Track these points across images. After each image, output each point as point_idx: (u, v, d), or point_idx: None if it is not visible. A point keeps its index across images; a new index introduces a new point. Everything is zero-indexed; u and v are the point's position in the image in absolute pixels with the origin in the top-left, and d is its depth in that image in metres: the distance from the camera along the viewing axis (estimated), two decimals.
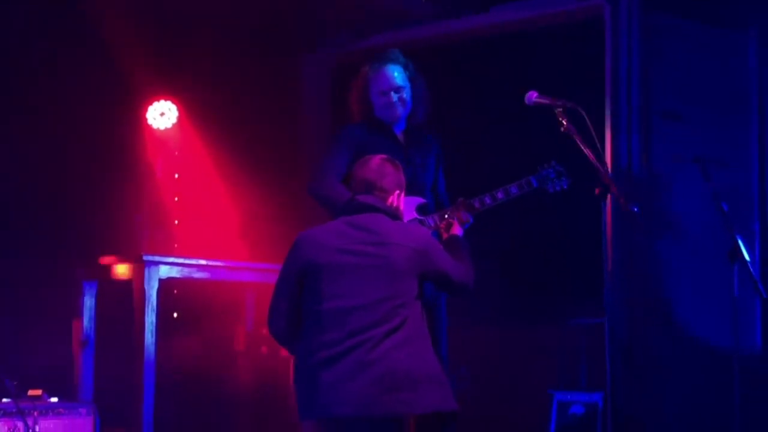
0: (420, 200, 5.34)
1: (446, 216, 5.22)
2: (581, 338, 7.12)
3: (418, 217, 5.28)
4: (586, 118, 4.55)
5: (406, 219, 5.18)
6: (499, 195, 5.31)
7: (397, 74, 5.45)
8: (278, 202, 7.86)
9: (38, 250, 7.04)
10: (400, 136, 5.52)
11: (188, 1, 7.49)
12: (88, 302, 6.66)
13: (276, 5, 7.71)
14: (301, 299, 4.52)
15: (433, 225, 5.25)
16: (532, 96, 4.77)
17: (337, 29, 8.30)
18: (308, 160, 8.43)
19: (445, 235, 5.04)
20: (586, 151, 4.53)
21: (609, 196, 4.54)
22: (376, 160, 4.70)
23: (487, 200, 5.29)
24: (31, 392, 6.01)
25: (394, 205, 4.66)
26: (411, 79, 5.50)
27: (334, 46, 8.45)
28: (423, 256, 4.47)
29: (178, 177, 8.04)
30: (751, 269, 5.42)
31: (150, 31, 7.41)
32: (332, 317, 4.39)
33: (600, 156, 4.57)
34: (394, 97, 5.44)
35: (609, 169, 6.37)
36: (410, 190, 5.29)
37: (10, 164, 7.03)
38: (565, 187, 5.41)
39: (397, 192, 4.69)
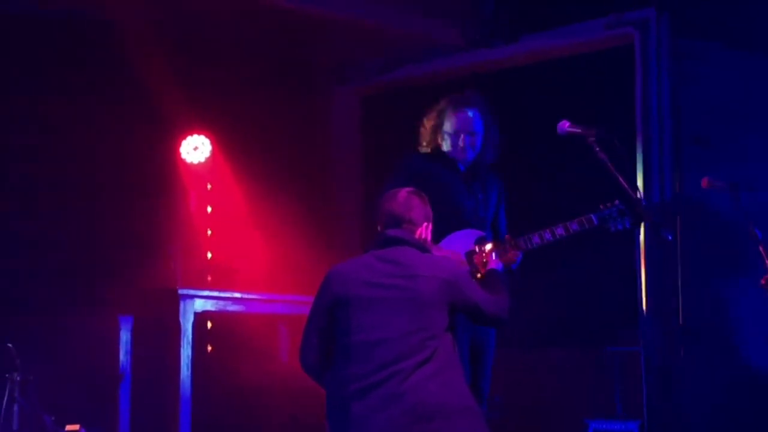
0: (479, 233, 5.35)
1: (486, 252, 5.21)
2: (617, 366, 7.09)
3: (476, 249, 5.29)
4: (618, 146, 4.56)
5: (465, 250, 5.23)
6: (559, 231, 5.26)
7: (474, 120, 5.49)
8: (310, 233, 7.89)
9: (74, 285, 7.07)
10: (463, 170, 5.54)
11: (221, 36, 7.55)
12: (124, 336, 6.68)
13: (306, 38, 7.76)
14: (332, 333, 4.54)
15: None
16: (564, 125, 4.78)
17: (367, 60, 8.34)
18: (339, 191, 8.48)
19: (482, 270, 5.04)
20: (620, 180, 4.53)
21: (643, 223, 4.55)
22: (403, 194, 4.71)
23: (547, 236, 5.26)
24: (68, 427, 6.01)
25: (423, 237, 4.67)
26: (486, 125, 5.52)
27: (363, 77, 8.49)
28: (451, 287, 4.47)
29: (212, 210, 8.09)
30: None
31: (183, 66, 7.47)
32: (361, 350, 4.40)
33: (633, 184, 4.57)
34: (467, 140, 5.47)
35: (642, 197, 6.37)
36: (471, 223, 5.38)
37: (45, 199, 7.09)
38: (628, 226, 5.27)
39: (425, 224, 4.70)
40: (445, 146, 5.50)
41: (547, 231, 5.26)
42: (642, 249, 6.54)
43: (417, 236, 4.64)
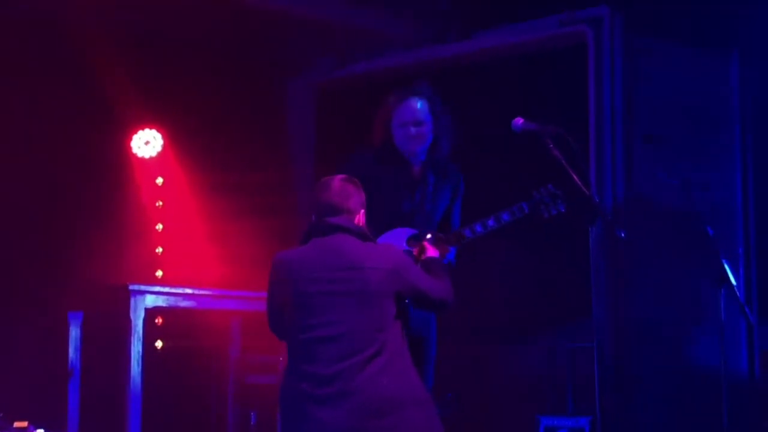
0: (411, 231, 5.26)
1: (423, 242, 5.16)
2: (568, 362, 7.12)
3: (407, 248, 5.22)
4: (571, 143, 4.56)
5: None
6: (490, 222, 5.16)
7: (420, 108, 5.30)
8: (263, 227, 7.86)
9: (23, 281, 7.01)
10: (416, 166, 5.38)
11: (173, 29, 7.50)
12: (74, 332, 6.62)
13: (261, 32, 7.73)
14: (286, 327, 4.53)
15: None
16: (519, 122, 4.78)
17: (321, 55, 8.32)
18: (292, 185, 8.46)
19: (421, 259, 5.00)
20: (573, 176, 4.54)
21: (596, 220, 4.56)
22: (337, 182, 4.66)
23: (478, 228, 5.16)
24: (17, 424, 5.97)
25: (361, 224, 4.66)
26: (435, 114, 5.34)
27: (318, 71, 8.47)
28: (396, 275, 4.46)
29: (162, 205, 8.04)
30: (738, 293, 5.43)
31: (134, 60, 7.42)
32: (312, 347, 4.39)
33: (587, 181, 4.58)
34: (413, 130, 5.28)
35: (595, 194, 6.39)
36: (411, 220, 5.27)
37: None
38: (562, 210, 5.20)
39: (362, 211, 4.68)
40: (396, 140, 5.35)
41: (477, 224, 5.17)
42: (595, 246, 6.57)
43: (356, 223, 4.63)
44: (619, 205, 6.78)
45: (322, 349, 4.36)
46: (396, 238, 5.16)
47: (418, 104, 5.32)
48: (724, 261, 5.43)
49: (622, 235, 4.63)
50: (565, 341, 7.15)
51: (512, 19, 7.48)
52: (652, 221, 6.83)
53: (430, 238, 5.15)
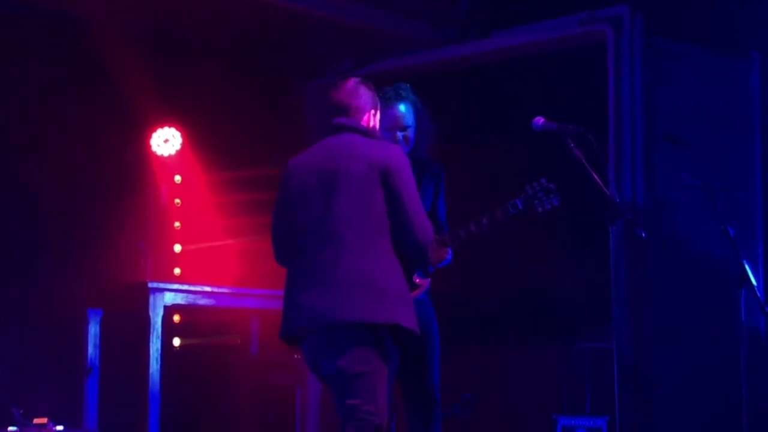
0: None
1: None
2: (585, 362, 7.12)
3: None
4: (593, 143, 4.56)
5: None
6: (484, 221, 5.07)
7: (406, 113, 5.24)
8: None
9: (43, 278, 7.03)
10: None
11: (192, 28, 7.52)
12: (93, 329, 6.65)
13: (280, 32, 7.74)
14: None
15: None
16: (539, 122, 4.77)
17: (340, 55, 8.32)
18: None
19: None
20: (595, 177, 4.53)
21: (617, 220, 4.55)
22: (351, 83, 4.71)
23: (473, 228, 5.08)
24: (36, 420, 5.99)
25: (370, 125, 4.69)
26: (418, 117, 5.29)
27: (337, 72, 8.47)
28: (383, 169, 4.45)
29: (181, 203, 8.06)
30: (759, 294, 5.41)
31: (154, 59, 7.43)
32: (301, 236, 4.46)
33: (607, 180, 4.58)
34: (399, 135, 5.23)
35: (616, 194, 6.38)
36: None
37: (13, 191, 7.04)
38: (556, 204, 5.10)
39: (372, 111, 4.71)
40: None
41: (471, 223, 5.08)
42: (616, 246, 6.56)
43: (365, 123, 4.65)
44: (639, 206, 6.76)
45: (308, 239, 4.43)
46: None
47: (405, 109, 5.26)
48: (744, 261, 5.41)
49: (643, 235, 4.61)
50: (583, 341, 7.14)
51: (531, 18, 7.46)
52: (672, 221, 6.82)
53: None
